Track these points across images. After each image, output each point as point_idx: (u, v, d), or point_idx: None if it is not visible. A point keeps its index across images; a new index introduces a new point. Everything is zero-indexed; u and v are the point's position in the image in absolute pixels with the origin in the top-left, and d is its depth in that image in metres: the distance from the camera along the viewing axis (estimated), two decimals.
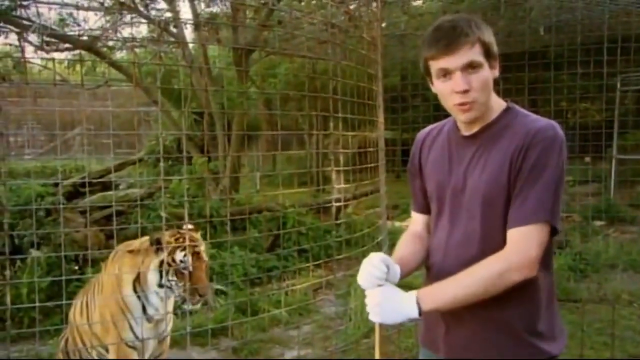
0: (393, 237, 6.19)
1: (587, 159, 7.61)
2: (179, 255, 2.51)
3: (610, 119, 8.13)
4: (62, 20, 6.84)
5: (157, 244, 2.55)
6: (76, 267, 4.36)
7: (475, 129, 1.42)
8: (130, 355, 2.60)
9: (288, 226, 5.87)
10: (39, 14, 6.25)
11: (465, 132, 1.44)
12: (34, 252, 4.22)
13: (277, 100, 9.08)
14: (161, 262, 2.53)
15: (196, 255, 2.53)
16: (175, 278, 2.50)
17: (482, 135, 1.40)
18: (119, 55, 8.67)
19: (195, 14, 7.62)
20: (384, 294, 1.33)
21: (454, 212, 1.44)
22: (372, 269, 1.36)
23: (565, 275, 5.04)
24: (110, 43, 7.32)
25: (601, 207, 6.63)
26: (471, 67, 1.32)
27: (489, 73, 1.35)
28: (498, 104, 1.42)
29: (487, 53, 1.34)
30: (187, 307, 2.53)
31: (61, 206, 3.88)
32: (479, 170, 1.38)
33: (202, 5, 7.84)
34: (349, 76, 3.98)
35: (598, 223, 6.82)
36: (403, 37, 7.69)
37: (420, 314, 1.30)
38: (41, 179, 6.79)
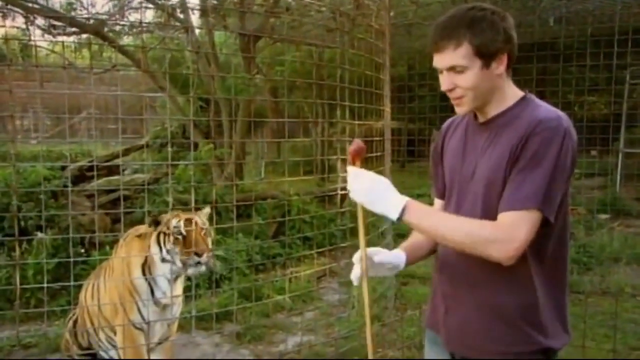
0: (397, 227, 6.21)
1: (594, 152, 7.56)
2: (172, 223, 2.59)
3: (618, 112, 8.07)
4: (69, 4, 6.83)
5: (154, 224, 2.64)
6: (82, 250, 4.39)
7: (489, 116, 1.43)
8: (137, 337, 2.64)
9: (292, 214, 5.88)
10: None
11: (481, 119, 1.45)
12: (40, 235, 4.26)
13: (283, 88, 9.05)
14: (159, 235, 2.61)
15: (189, 220, 2.60)
16: (172, 245, 2.57)
17: (494, 123, 1.41)
18: (126, 40, 8.65)
19: (203, 0, 7.57)
20: (378, 181, 1.37)
21: (461, 197, 1.46)
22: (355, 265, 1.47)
23: (569, 268, 5.03)
24: (117, 28, 7.31)
25: (606, 201, 6.61)
26: (454, 70, 1.34)
27: (479, 73, 1.34)
28: (514, 93, 1.42)
29: (480, 52, 1.32)
30: (191, 272, 2.57)
31: (69, 189, 3.90)
32: (487, 157, 1.39)
33: None
34: (356, 64, 3.96)
35: (603, 216, 6.80)
36: (410, 26, 7.63)
37: (398, 219, 1.33)
38: (47, 163, 6.81)
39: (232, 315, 3.95)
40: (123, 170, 6.23)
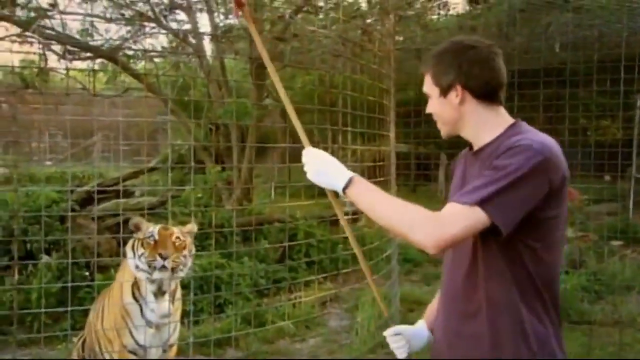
0: (403, 252, 6.15)
1: (607, 178, 7.45)
2: (148, 230, 2.62)
3: (630, 137, 7.97)
4: (84, 30, 7.01)
5: (135, 229, 2.68)
6: (86, 273, 4.41)
7: (480, 145, 1.44)
8: None
9: (298, 238, 5.87)
10: (63, 25, 6.42)
11: (474, 148, 1.47)
12: (45, 258, 4.29)
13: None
14: (135, 241, 2.64)
15: (164, 228, 2.64)
16: (143, 250, 2.58)
17: (483, 152, 1.41)
18: (140, 64, 8.84)
19: (214, 26, 7.73)
20: (328, 159, 1.45)
21: None
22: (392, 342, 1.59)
23: (579, 296, 4.93)
24: (130, 53, 7.48)
25: (618, 227, 6.47)
26: (426, 95, 1.49)
27: (437, 101, 1.45)
28: (504, 122, 1.42)
29: (436, 82, 1.44)
30: (157, 276, 2.56)
31: (69, 213, 3.95)
32: None
33: (221, 16, 7.96)
34: (361, 90, 3.99)
35: (616, 243, 6.66)
36: (419, 51, 7.70)
37: (343, 190, 1.38)
38: (59, 184, 6.91)
39: (233, 341, 3.92)
40: (132, 193, 6.29)
